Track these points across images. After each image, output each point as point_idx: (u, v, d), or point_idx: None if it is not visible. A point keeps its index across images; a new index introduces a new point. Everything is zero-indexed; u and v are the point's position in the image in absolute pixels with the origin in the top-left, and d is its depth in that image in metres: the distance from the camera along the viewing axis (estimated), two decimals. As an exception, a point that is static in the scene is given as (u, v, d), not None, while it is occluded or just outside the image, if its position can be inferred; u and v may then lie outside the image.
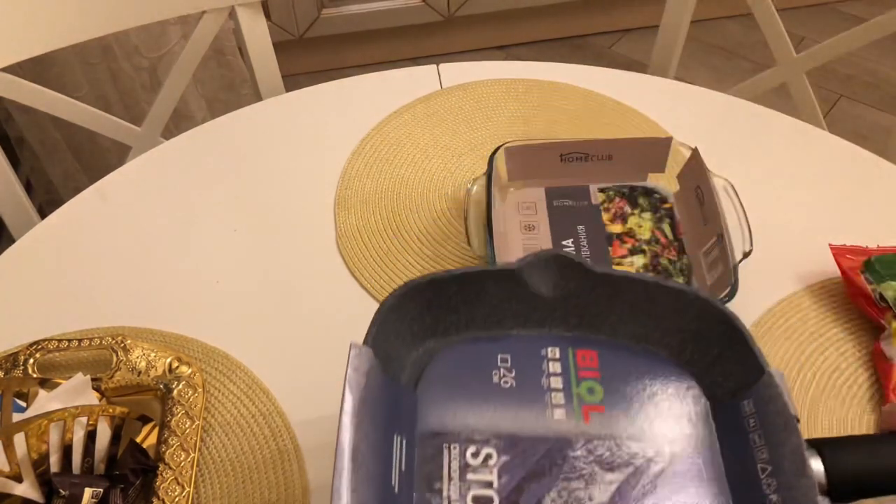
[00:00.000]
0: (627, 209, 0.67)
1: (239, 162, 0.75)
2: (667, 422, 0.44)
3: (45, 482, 0.48)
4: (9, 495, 0.47)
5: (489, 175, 0.64)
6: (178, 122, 1.40)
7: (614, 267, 0.62)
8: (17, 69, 0.78)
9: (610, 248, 0.64)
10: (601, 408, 0.44)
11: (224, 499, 0.51)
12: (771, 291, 0.63)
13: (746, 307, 0.62)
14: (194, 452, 0.51)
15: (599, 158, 0.68)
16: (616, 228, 0.66)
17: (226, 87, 1.47)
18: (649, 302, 0.47)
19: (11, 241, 0.70)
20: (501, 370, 0.46)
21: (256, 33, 0.91)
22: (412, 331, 0.47)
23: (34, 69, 1.22)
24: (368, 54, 1.97)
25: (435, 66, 0.85)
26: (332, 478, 0.37)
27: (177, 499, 0.49)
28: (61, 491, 0.47)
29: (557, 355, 0.47)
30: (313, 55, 1.94)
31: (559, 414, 0.44)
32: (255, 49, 0.92)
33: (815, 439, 0.43)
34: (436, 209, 0.70)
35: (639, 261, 0.63)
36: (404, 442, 0.42)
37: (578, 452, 0.42)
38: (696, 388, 0.46)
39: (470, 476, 0.41)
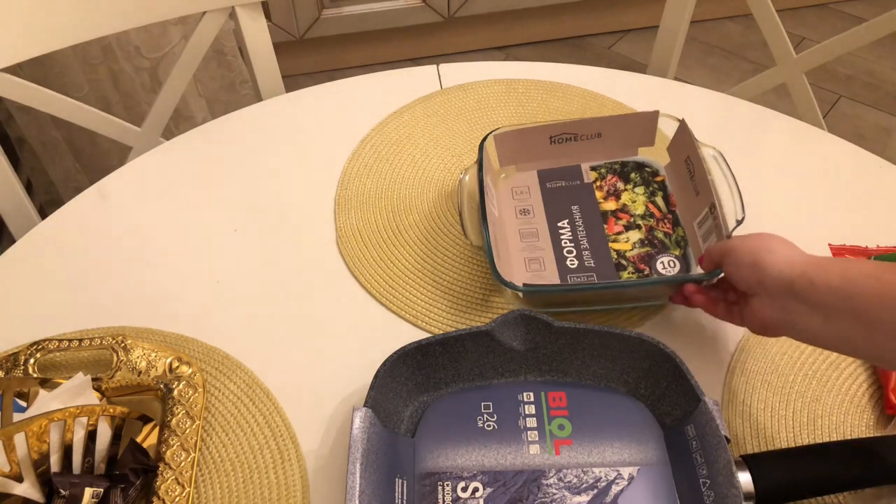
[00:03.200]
0: (620, 185, 0.68)
1: (239, 162, 0.75)
2: (626, 448, 0.52)
3: (46, 482, 0.48)
4: (9, 495, 0.47)
5: (480, 163, 0.63)
6: (179, 123, 1.40)
7: (611, 245, 0.63)
8: (17, 69, 0.78)
9: (605, 226, 0.65)
10: (570, 441, 0.52)
11: (224, 499, 0.51)
12: (771, 291, 0.63)
13: (746, 307, 0.62)
14: (195, 452, 0.51)
15: (588, 137, 0.69)
16: (610, 206, 0.66)
17: (226, 87, 1.47)
18: (604, 347, 0.55)
19: (12, 241, 0.70)
20: (484, 416, 0.53)
21: (257, 34, 0.91)
22: (407, 388, 0.55)
23: (35, 70, 1.22)
24: (368, 55, 1.97)
25: (435, 66, 0.85)
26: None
27: (177, 499, 0.49)
28: (62, 491, 0.47)
29: (532, 398, 0.54)
30: (313, 56, 1.94)
31: (534, 449, 0.52)
32: (255, 49, 0.92)
33: (746, 455, 0.48)
34: (436, 209, 0.70)
35: (634, 236, 0.64)
36: (405, 483, 0.50)
37: (551, 480, 0.50)
38: (650, 417, 0.54)
39: None
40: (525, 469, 0.51)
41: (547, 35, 2.07)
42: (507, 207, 0.67)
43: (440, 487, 0.50)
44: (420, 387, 0.55)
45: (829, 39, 0.92)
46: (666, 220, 0.65)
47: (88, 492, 0.47)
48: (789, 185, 0.72)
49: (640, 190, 0.67)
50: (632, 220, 0.65)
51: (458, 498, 0.49)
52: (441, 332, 0.60)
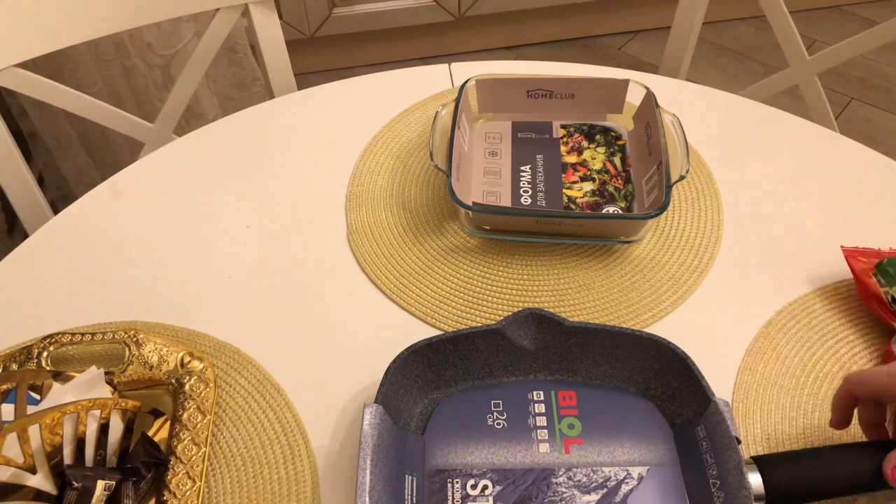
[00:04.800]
0: (584, 143, 0.73)
1: (250, 159, 0.75)
2: (636, 448, 0.52)
3: (59, 474, 0.48)
4: (23, 486, 0.47)
5: (457, 101, 0.69)
6: (190, 120, 1.41)
7: (564, 191, 0.68)
8: (31, 65, 0.78)
9: (563, 175, 0.70)
10: (579, 440, 0.52)
11: (235, 493, 0.51)
12: (782, 293, 0.63)
13: (757, 308, 0.62)
14: (205, 447, 0.51)
15: (563, 96, 0.74)
16: (571, 159, 0.72)
17: (237, 84, 1.48)
18: (615, 347, 0.55)
19: (25, 235, 0.70)
20: (494, 414, 0.54)
21: (269, 31, 0.91)
22: (417, 385, 0.55)
23: (49, 65, 1.23)
24: (378, 54, 1.97)
25: (447, 65, 0.86)
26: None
27: (188, 493, 0.49)
28: (74, 483, 0.47)
29: (542, 397, 0.55)
30: (324, 54, 1.94)
31: (544, 448, 0.52)
32: (267, 47, 0.92)
33: (756, 456, 0.49)
34: (446, 206, 0.70)
35: (587, 186, 0.69)
36: (414, 480, 0.50)
37: (560, 479, 0.50)
38: (660, 417, 0.54)
39: None
40: (535, 467, 0.51)
41: (557, 35, 2.07)
42: (478, 147, 0.73)
43: (450, 484, 0.50)
44: (430, 384, 0.55)
45: (842, 42, 0.92)
46: (619, 177, 0.70)
47: (101, 484, 0.47)
48: (801, 186, 0.72)
49: (601, 150, 0.72)
50: (588, 172, 0.70)
51: (468, 495, 0.49)
52: (452, 329, 0.60)
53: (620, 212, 0.67)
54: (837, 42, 0.92)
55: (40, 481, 0.48)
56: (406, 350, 0.53)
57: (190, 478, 0.49)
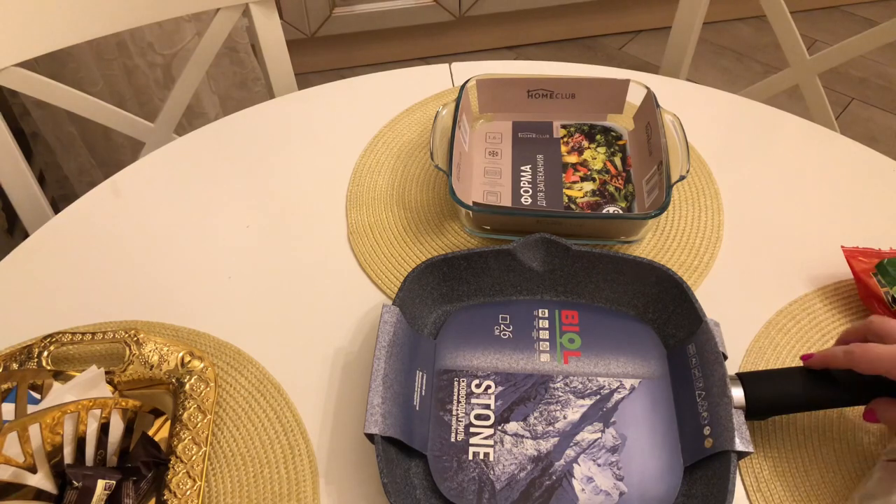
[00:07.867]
0: (585, 143, 0.73)
1: (251, 159, 0.75)
2: (630, 362, 0.56)
3: (59, 473, 0.48)
4: (23, 486, 0.47)
5: (458, 101, 0.69)
6: (191, 119, 1.41)
7: (564, 191, 0.69)
8: (33, 65, 0.79)
9: (563, 175, 0.70)
10: (578, 353, 0.57)
11: (235, 493, 0.51)
12: (782, 293, 0.63)
13: (757, 308, 0.62)
14: (206, 446, 0.51)
15: (563, 96, 0.75)
16: (572, 159, 0.72)
17: (238, 84, 1.48)
18: (617, 272, 0.59)
19: (25, 235, 0.70)
20: (501, 326, 0.58)
21: (270, 30, 0.91)
22: (432, 297, 0.60)
23: (50, 65, 1.23)
24: (379, 53, 1.97)
25: (447, 64, 0.86)
26: (368, 394, 0.50)
27: (188, 492, 0.49)
28: (74, 482, 0.47)
29: (546, 315, 0.59)
30: (325, 54, 1.94)
31: (545, 357, 0.56)
32: (268, 46, 0.92)
33: (740, 373, 0.52)
34: (446, 206, 0.70)
35: (587, 186, 0.69)
36: (424, 376, 0.55)
37: (558, 384, 0.55)
38: (655, 338, 0.58)
39: (473, 400, 0.54)
40: (535, 373, 0.55)
41: (558, 35, 2.07)
42: (478, 147, 0.74)
43: (456, 382, 0.55)
44: (444, 297, 0.60)
45: (843, 42, 0.92)
46: (619, 177, 0.70)
47: (101, 484, 0.47)
48: (801, 186, 0.72)
49: (601, 150, 0.73)
50: (589, 172, 0.71)
51: (472, 392, 0.54)
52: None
53: (620, 212, 0.67)
54: (838, 42, 0.92)
55: (41, 480, 0.48)
56: (423, 263, 0.58)
57: (190, 477, 0.50)
